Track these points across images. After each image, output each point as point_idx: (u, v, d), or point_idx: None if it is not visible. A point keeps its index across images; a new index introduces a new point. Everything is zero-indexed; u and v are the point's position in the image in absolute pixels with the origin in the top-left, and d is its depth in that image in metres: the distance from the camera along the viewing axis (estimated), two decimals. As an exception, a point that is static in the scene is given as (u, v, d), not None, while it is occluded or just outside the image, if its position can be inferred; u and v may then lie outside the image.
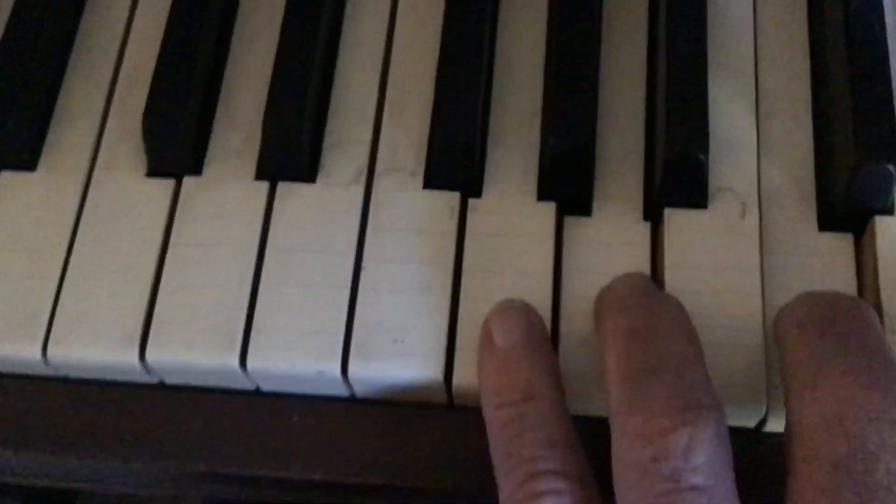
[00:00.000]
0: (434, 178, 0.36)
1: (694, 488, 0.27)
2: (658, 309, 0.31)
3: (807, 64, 0.38)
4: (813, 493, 0.27)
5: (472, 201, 0.36)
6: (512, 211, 0.35)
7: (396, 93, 0.37)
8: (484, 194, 0.36)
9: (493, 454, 0.31)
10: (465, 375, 0.33)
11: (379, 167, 0.36)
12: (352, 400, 0.35)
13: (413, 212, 0.35)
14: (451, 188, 0.35)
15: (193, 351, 0.33)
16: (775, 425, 0.33)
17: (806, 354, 0.29)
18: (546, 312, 0.34)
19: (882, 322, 0.33)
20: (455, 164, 0.35)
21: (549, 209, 0.35)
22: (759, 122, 0.37)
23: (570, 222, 0.36)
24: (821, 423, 0.27)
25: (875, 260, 0.34)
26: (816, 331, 0.29)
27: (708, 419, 0.28)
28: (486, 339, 0.32)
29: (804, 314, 0.30)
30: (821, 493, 0.27)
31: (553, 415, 0.31)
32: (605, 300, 0.33)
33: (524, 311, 0.33)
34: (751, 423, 0.34)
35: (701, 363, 0.30)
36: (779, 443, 0.33)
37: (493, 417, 0.31)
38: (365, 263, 0.35)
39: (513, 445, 0.30)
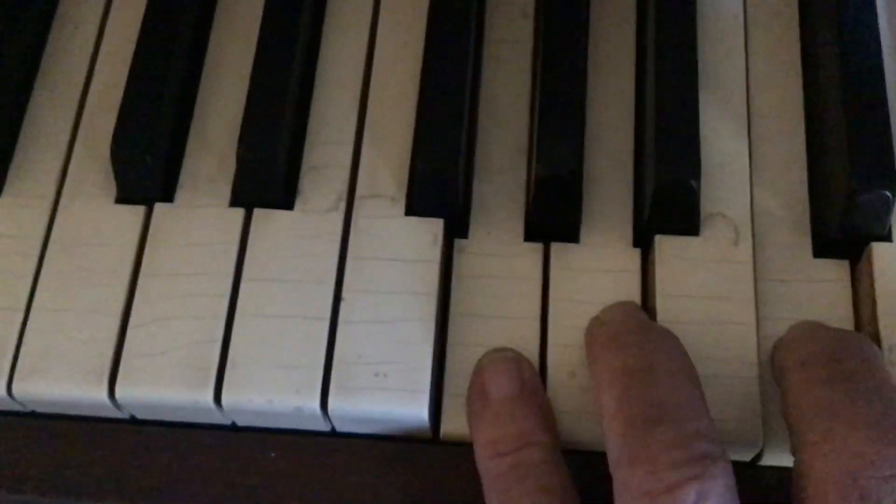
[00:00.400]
0: (416, 205, 0.34)
1: None
2: (655, 346, 0.30)
3: (799, 83, 0.37)
4: None
5: (458, 242, 0.34)
6: (499, 252, 0.34)
7: (376, 116, 0.36)
8: (470, 235, 0.35)
9: None
10: (454, 423, 0.32)
11: (359, 192, 0.35)
12: (332, 434, 0.34)
13: (394, 239, 0.34)
14: (434, 215, 0.34)
15: (165, 387, 0.32)
16: (771, 459, 0.32)
17: (814, 402, 0.28)
18: (534, 347, 0.33)
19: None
20: (437, 191, 0.34)
21: (536, 250, 0.34)
22: (751, 144, 0.36)
23: (558, 249, 0.34)
24: (833, 479, 0.26)
25: (872, 288, 0.32)
26: (822, 374, 0.28)
27: (715, 471, 0.27)
28: (478, 389, 0.32)
29: (807, 353, 0.29)
30: None
31: (548, 463, 0.30)
32: (598, 335, 0.32)
33: (516, 360, 0.32)
34: (746, 457, 0.32)
35: (703, 406, 0.29)
36: (775, 477, 0.32)
37: (488, 468, 0.30)
38: (345, 294, 0.33)
39: (509, 496, 0.29)
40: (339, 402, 0.32)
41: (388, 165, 0.35)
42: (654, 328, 0.31)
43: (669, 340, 0.30)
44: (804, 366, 0.29)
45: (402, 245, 0.34)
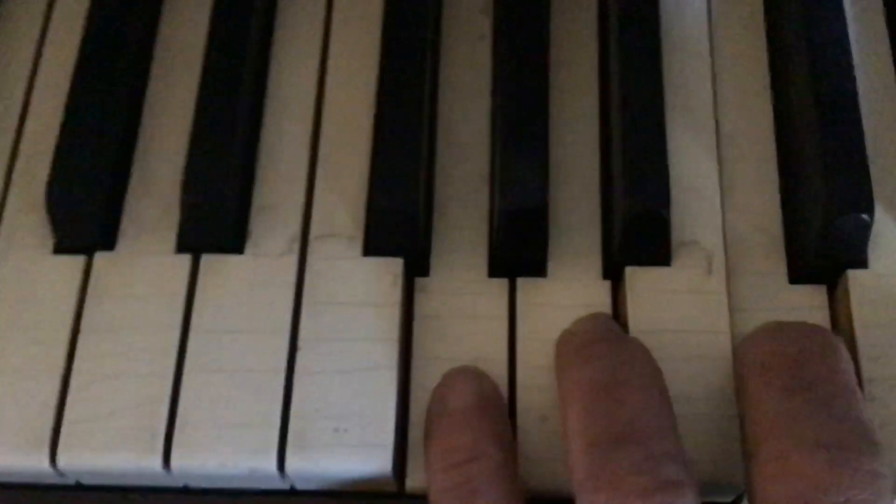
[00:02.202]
0: (374, 244, 0.33)
1: None
2: (624, 358, 0.29)
3: (769, 102, 0.36)
4: None
5: (419, 281, 0.33)
6: (462, 290, 0.33)
7: (329, 151, 0.34)
8: (432, 273, 0.33)
9: None
10: (420, 476, 0.30)
11: (314, 233, 0.33)
12: (292, 493, 0.32)
13: (352, 282, 0.32)
14: (394, 254, 0.32)
15: (110, 452, 0.30)
16: (753, 500, 0.31)
17: (771, 413, 0.27)
18: (502, 390, 0.31)
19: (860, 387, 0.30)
20: (397, 229, 0.32)
21: (501, 287, 0.33)
22: (721, 168, 0.34)
23: (525, 284, 0.33)
24: (786, 502, 0.25)
25: (850, 319, 0.31)
26: (782, 381, 0.27)
27: (681, 498, 0.25)
28: (437, 403, 0.30)
29: (767, 353, 0.28)
30: None
31: (499, 477, 0.28)
32: (566, 345, 0.31)
33: (477, 374, 0.31)
34: (726, 499, 0.31)
35: (672, 426, 0.27)
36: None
37: (437, 481, 0.28)
38: (301, 343, 0.31)
39: None
40: (297, 462, 0.30)
41: (343, 202, 0.34)
42: (624, 339, 0.30)
43: (640, 353, 0.29)
44: (763, 369, 0.28)
45: (360, 288, 0.32)
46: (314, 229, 0.33)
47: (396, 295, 0.32)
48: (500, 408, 0.31)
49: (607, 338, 0.30)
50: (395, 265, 0.32)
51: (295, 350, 0.31)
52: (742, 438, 0.28)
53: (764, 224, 0.34)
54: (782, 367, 0.28)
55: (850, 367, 0.29)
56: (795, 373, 0.28)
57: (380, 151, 0.33)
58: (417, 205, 0.32)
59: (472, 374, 0.31)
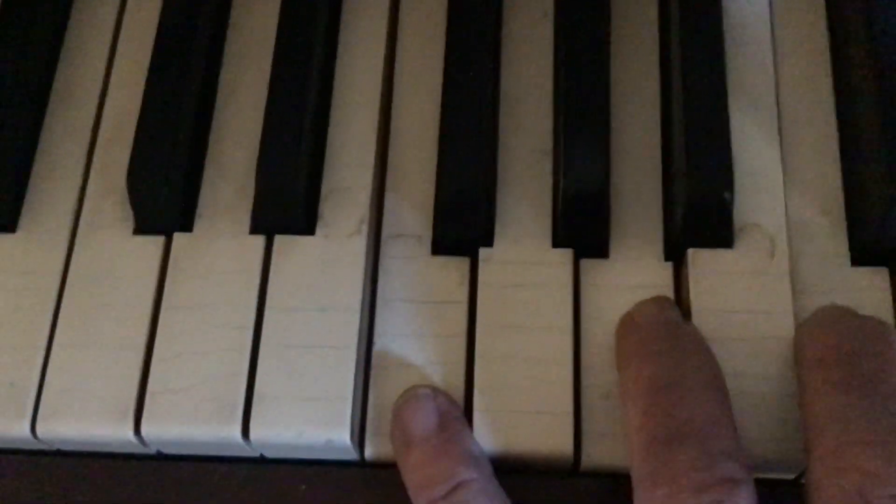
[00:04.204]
0: (442, 244, 0.34)
1: None
2: (684, 356, 0.29)
3: (830, 85, 0.36)
4: None
5: (483, 251, 0.33)
6: (526, 259, 0.33)
7: (399, 153, 0.35)
8: (496, 243, 0.34)
9: None
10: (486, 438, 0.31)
11: (385, 232, 0.34)
12: (362, 464, 0.33)
13: (422, 280, 0.33)
14: (461, 252, 0.34)
15: (192, 423, 0.31)
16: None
17: (827, 408, 0.28)
18: (567, 366, 0.32)
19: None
20: (463, 229, 0.33)
21: (565, 256, 0.33)
22: (783, 151, 0.35)
23: (587, 265, 0.34)
24: (841, 495, 0.26)
25: (912, 304, 0.31)
26: (838, 375, 0.28)
27: (737, 495, 0.26)
28: (400, 432, 0.31)
29: (825, 348, 0.29)
30: None
31: (485, 496, 0.29)
32: (628, 338, 0.31)
33: (431, 395, 0.31)
34: (789, 475, 0.32)
35: (730, 423, 0.28)
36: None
37: None
38: (376, 339, 0.33)
39: None
40: (371, 442, 0.31)
41: (412, 203, 0.34)
42: (684, 334, 0.31)
43: (700, 351, 0.30)
44: (820, 364, 0.29)
45: (429, 286, 0.33)
46: (386, 228, 0.34)
47: (463, 294, 0.33)
48: (461, 422, 0.31)
49: (667, 333, 0.30)
50: (462, 265, 0.33)
51: (365, 325, 0.33)
52: (801, 427, 0.29)
53: (826, 206, 0.34)
54: (839, 363, 0.29)
55: None
56: (851, 368, 0.28)
57: (445, 157, 0.34)
58: (482, 212, 0.33)
59: (426, 395, 0.31)
